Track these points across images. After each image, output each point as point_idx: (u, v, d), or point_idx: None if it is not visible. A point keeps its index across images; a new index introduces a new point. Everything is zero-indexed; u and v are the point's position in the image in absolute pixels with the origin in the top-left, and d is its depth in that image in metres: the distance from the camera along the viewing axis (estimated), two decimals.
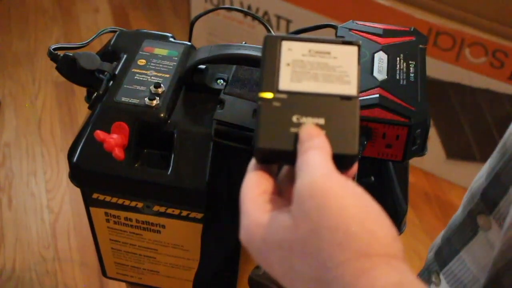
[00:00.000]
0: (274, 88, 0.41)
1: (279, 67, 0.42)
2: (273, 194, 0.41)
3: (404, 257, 0.37)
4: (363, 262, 0.35)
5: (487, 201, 0.60)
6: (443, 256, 0.66)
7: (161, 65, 0.75)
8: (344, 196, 0.37)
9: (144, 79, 0.73)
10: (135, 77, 0.73)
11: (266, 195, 0.41)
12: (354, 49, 0.42)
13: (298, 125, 0.40)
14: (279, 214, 0.39)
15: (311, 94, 0.41)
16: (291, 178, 0.42)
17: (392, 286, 0.35)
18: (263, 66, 0.42)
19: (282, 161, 0.43)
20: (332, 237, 0.36)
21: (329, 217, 0.36)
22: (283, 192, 0.42)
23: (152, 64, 0.75)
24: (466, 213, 0.64)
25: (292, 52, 0.42)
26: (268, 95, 0.41)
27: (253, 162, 0.43)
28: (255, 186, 0.41)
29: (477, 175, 0.68)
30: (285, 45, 0.42)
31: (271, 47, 0.42)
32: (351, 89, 0.41)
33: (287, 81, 0.41)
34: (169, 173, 0.70)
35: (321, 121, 0.40)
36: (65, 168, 1.69)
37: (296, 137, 0.40)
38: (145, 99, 0.70)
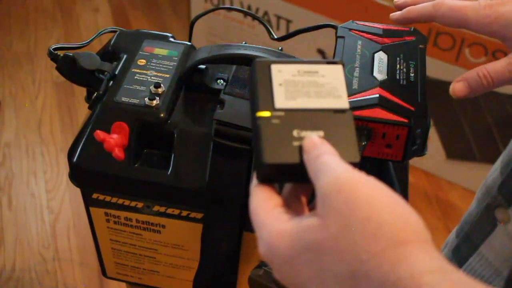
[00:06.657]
0: (270, 107, 0.43)
1: (272, 87, 0.43)
2: (285, 207, 0.41)
3: (434, 244, 0.37)
4: (400, 250, 0.35)
5: (505, 194, 0.59)
6: (462, 253, 0.65)
7: (161, 65, 0.75)
8: (371, 188, 0.37)
9: (144, 79, 0.73)
10: (135, 77, 0.73)
11: (279, 208, 0.41)
12: (339, 67, 0.45)
13: (300, 138, 0.41)
14: (302, 219, 0.39)
15: (306, 110, 0.43)
16: (296, 194, 0.43)
17: (433, 272, 0.34)
18: (256, 88, 0.44)
19: (285, 178, 0.44)
20: (365, 228, 0.35)
21: (359, 209, 0.36)
22: (291, 208, 0.42)
23: (152, 64, 0.75)
24: (483, 208, 0.63)
25: (282, 74, 0.44)
26: (266, 113, 0.42)
27: (255, 182, 0.43)
28: (266, 200, 0.41)
29: (491, 170, 0.67)
30: (275, 68, 0.44)
31: (262, 70, 0.44)
32: (343, 103, 0.43)
33: (282, 100, 0.43)
34: (169, 173, 0.70)
35: (321, 133, 0.42)
36: (65, 168, 1.69)
37: (300, 149, 0.41)
38: (145, 99, 0.70)
